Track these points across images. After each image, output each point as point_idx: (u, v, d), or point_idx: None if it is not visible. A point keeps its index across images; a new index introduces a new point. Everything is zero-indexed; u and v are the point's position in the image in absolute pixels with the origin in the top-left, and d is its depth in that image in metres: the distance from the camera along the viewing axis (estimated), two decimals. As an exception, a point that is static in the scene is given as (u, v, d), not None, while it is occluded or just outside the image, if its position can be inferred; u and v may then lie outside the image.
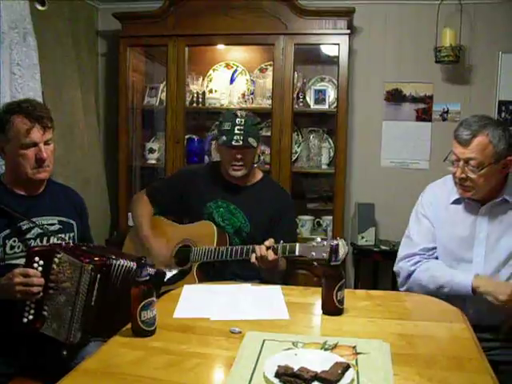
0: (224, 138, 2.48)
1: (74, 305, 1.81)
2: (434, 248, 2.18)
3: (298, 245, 2.22)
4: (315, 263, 2.18)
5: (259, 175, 2.69)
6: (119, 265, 1.91)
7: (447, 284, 2.05)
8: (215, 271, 2.51)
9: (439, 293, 2.07)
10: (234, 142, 2.45)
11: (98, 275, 1.83)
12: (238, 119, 2.49)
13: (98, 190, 3.88)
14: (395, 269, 2.26)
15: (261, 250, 2.26)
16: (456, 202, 2.16)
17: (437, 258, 2.18)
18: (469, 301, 2.04)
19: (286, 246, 2.24)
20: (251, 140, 2.47)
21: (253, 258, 2.29)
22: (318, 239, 2.18)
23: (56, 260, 1.82)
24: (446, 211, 2.18)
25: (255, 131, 2.53)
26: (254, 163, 2.74)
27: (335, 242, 1.98)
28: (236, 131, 2.46)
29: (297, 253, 2.21)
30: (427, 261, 2.16)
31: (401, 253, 2.25)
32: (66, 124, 3.49)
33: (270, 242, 2.27)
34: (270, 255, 2.24)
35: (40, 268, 1.80)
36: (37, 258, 1.81)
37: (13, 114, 1.98)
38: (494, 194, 2.09)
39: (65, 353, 1.83)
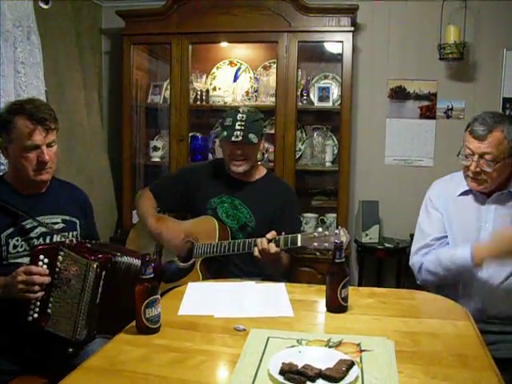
0: (225, 133, 2.48)
1: (79, 302, 1.82)
2: (445, 237, 2.21)
3: (299, 236, 2.21)
4: (317, 253, 2.19)
5: (263, 171, 2.69)
6: (124, 261, 1.92)
7: (451, 264, 2.07)
8: (219, 266, 2.51)
9: (449, 276, 2.10)
10: (233, 138, 2.45)
11: (103, 272, 1.84)
12: (239, 115, 2.49)
13: (102, 188, 3.87)
14: (410, 263, 2.28)
15: (262, 242, 2.26)
16: (463, 193, 2.20)
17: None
18: (477, 289, 2.07)
19: (287, 237, 2.23)
20: (251, 136, 2.46)
21: (255, 252, 2.28)
22: (320, 229, 2.18)
23: (60, 258, 1.83)
24: (453, 203, 2.21)
25: (257, 127, 2.52)
26: (258, 160, 2.73)
27: (336, 231, 2.09)
28: (237, 127, 2.46)
29: (299, 243, 2.20)
30: (435, 250, 2.19)
31: (413, 247, 2.28)
32: (68, 122, 3.49)
33: (271, 234, 2.26)
34: (272, 248, 2.23)
35: (45, 266, 1.81)
36: (41, 257, 1.81)
37: (16, 114, 1.96)
38: (501, 186, 2.13)
39: (71, 350, 1.83)
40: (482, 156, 2.03)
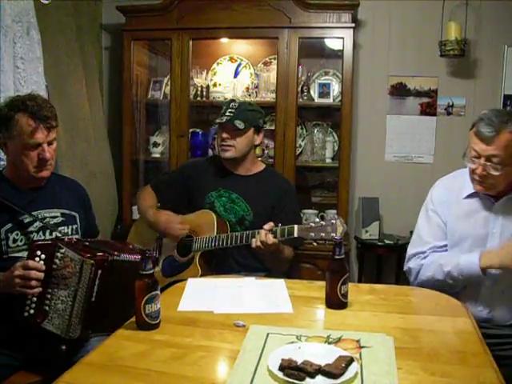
0: (217, 119, 2.58)
1: (74, 300, 1.81)
2: (445, 246, 2.13)
3: (296, 226, 2.22)
4: (315, 243, 2.19)
5: (261, 166, 2.71)
6: (121, 260, 1.90)
7: (454, 269, 2.01)
8: (218, 260, 2.52)
9: (449, 281, 2.04)
10: (218, 120, 2.55)
11: (99, 271, 1.82)
12: (232, 103, 2.60)
13: (104, 182, 3.86)
14: (405, 268, 2.22)
15: (260, 235, 2.26)
16: (469, 196, 2.11)
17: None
18: (481, 297, 2.03)
19: (284, 228, 2.24)
20: (237, 122, 2.51)
21: (253, 244, 2.29)
22: (316, 219, 2.19)
23: (58, 255, 1.82)
24: (458, 206, 2.12)
25: (247, 115, 2.56)
26: (258, 156, 2.75)
27: (333, 221, 2.11)
28: (227, 113, 2.55)
29: (295, 234, 2.21)
30: (433, 255, 2.13)
31: (410, 251, 2.20)
32: (70, 117, 3.48)
33: (269, 225, 2.27)
34: (269, 239, 2.24)
35: (41, 262, 1.80)
36: (38, 252, 1.81)
37: (17, 111, 1.95)
38: (508, 189, 2.04)
39: (64, 347, 1.83)
40: (488, 159, 1.92)
